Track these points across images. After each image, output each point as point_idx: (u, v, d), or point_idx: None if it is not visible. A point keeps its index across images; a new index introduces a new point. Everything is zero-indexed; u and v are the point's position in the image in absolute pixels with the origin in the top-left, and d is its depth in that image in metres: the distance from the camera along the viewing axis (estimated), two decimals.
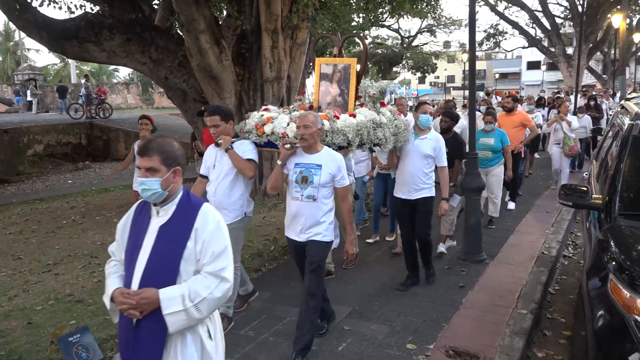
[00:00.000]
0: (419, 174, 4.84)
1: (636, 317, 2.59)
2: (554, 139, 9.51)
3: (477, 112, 8.12)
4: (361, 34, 23.34)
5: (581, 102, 14.60)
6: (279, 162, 3.80)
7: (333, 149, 3.95)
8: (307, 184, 3.68)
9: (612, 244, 3.11)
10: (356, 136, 4.17)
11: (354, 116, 4.36)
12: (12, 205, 10.84)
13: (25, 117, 21.09)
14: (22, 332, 4.36)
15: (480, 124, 7.33)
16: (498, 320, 4.34)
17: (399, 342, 3.99)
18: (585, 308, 3.15)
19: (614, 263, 2.93)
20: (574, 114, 11.54)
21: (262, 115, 4.50)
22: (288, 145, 3.74)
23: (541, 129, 10.45)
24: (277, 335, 4.15)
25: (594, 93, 17.48)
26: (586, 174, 6.21)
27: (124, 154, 17.99)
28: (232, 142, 4.15)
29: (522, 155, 8.73)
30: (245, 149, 4.15)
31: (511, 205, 8.30)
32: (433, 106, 11.83)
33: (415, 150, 4.85)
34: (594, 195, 3.88)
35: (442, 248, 6.04)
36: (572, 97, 15.25)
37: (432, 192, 4.93)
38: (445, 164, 4.93)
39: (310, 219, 3.72)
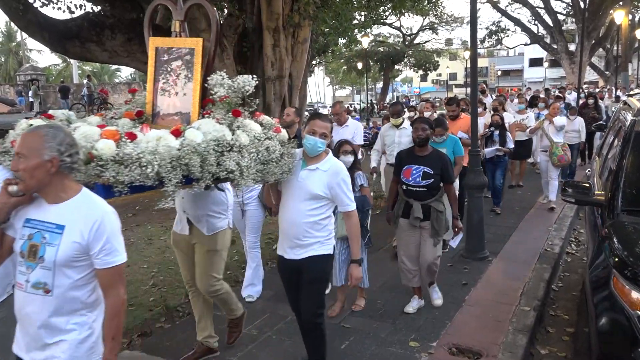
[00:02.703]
0: (304, 223, 3.15)
1: (639, 312, 2.58)
2: (541, 145, 8.26)
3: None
4: (363, 31, 23.33)
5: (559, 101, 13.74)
6: None
7: (121, 191, 2.35)
8: (35, 260, 2.04)
9: (615, 240, 3.10)
10: (173, 169, 2.46)
11: (180, 134, 2.62)
12: None
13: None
14: None
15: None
16: (501, 317, 4.33)
17: (401, 339, 3.99)
18: (588, 305, 3.15)
19: (616, 259, 2.93)
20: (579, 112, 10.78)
21: (31, 125, 2.59)
22: (14, 188, 2.04)
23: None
24: (280, 333, 4.16)
25: (589, 90, 16.77)
26: (589, 171, 6.19)
27: None
28: None
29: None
30: None
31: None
32: (433, 105, 9.06)
33: (300, 186, 3.17)
34: (596, 192, 3.87)
35: (436, 297, 4.63)
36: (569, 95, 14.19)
37: (326, 249, 3.24)
38: (351, 207, 3.21)
39: (40, 331, 2.06)
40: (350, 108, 43.46)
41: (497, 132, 7.79)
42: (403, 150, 4.67)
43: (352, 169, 4.38)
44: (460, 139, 6.12)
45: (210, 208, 3.57)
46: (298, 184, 3.17)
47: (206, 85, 3.01)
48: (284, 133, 3.16)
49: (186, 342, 3.98)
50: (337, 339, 4.01)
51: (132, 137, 2.50)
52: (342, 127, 6.32)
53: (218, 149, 2.66)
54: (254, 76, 3.06)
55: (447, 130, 5.75)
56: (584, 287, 3.59)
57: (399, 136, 6.08)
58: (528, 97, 13.60)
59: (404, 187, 4.37)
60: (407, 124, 6.07)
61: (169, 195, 2.50)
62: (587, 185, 3.85)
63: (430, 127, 4.43)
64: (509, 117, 8.73)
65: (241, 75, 3.04)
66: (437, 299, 4.62)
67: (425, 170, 4.26)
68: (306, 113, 13.34)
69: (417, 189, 4.28)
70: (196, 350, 3.77)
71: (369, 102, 37.41)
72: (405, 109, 8.58)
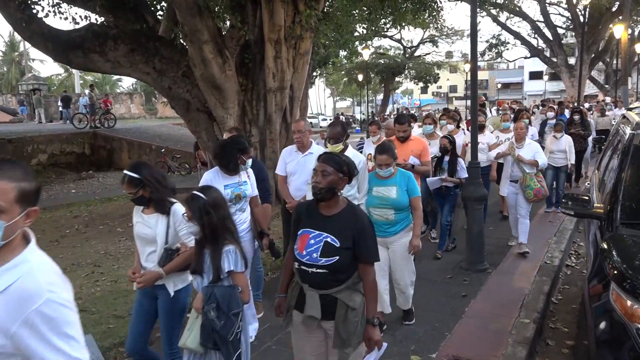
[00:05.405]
0: None
1: (638, 325, 2.59)
2: (511, 175, 6.49)
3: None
4: (364, 44, 23.44)
5: (541, 117, 11.95)
6: None
7: None
8: None
9: (613, 253, 3.12)
10: None
11: None
12: None
13: (30, 127, 21.24)
14: None
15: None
16: (501, 329, 4.33)
17: (401, 351, 3.99)
18: (587, 317, 3.16)
19: (615, 272, 2.94)
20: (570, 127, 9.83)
21: None
22: None
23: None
24: (279, 343, 4.16)
25: (574, 105, 15.19)
26: (588, 184, 6.21)
27: (127, 164, 18.34)
28: None
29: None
30: None
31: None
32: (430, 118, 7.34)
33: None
34: (595, 205, 3.90)
35: None
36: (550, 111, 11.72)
37: None
38: None
39: None
40: (350, 119, 43.68)
41: (447, 159, 6.42)
42: (303, 204, 2.92)
43: (215, 243, 2.81)
44: (413, 165, 5.18)
45: None
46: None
47: None
48: None
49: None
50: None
51: None
52: (304, 155, 4.82)
53: None
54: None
55: (396, 160, 4.19)
56: (583, 299, 3.60)
57: None
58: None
59: (296, 264, 2.69)
60: (351, 151, 4.56)
61: None
62: (586, 198, 3.88)
63: (339, 170, 2.63)
64: (489, 138, 7.65)
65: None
66: None
67: (328, 240, 2.58)
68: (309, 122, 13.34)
69: (314, 270, 2.59)
70: None
71: (370, 113, 37.56)
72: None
